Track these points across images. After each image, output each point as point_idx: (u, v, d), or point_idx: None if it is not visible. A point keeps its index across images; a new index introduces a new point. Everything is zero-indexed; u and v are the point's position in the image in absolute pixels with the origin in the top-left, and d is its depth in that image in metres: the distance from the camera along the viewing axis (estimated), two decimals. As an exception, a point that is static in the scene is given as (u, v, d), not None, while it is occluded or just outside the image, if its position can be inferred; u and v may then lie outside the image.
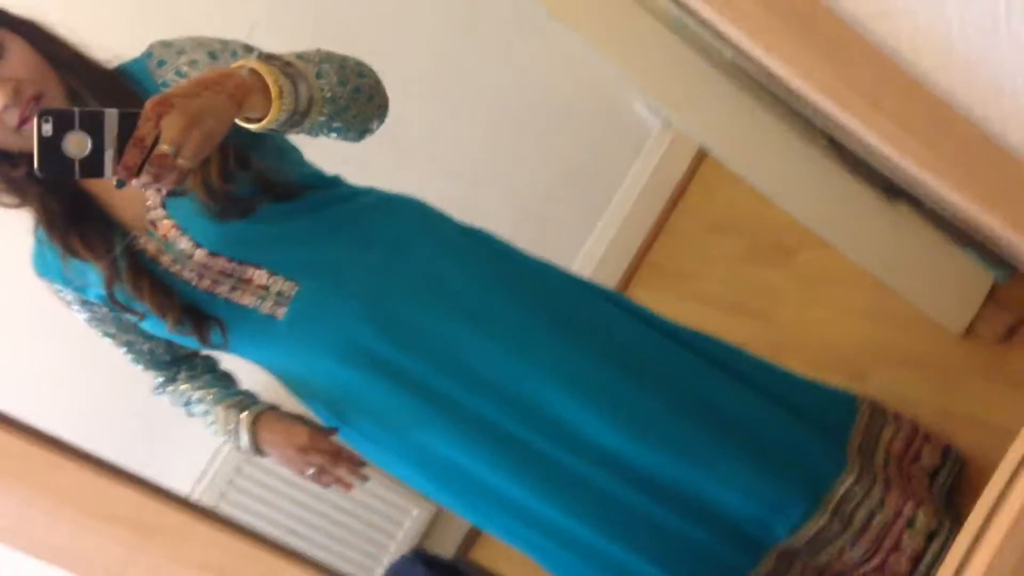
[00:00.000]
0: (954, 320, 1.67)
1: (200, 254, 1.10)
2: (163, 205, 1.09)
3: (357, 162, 1.37)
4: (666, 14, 1.47)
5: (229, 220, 1.09)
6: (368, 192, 1.21)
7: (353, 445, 1.23)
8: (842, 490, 1.26)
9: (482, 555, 2.51)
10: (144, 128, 0.83)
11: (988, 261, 1.64)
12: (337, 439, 1.21)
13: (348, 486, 1.22)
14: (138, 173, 0.83)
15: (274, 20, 2.02)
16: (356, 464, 1.21)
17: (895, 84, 0.63)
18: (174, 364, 1.25)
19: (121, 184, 0.84)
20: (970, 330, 1.69)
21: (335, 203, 1.17)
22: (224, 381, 1.28)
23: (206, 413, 1.23)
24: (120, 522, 0.58)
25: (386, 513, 2.44)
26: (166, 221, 1.10)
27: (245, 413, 1.21)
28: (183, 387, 1.25)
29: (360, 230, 1.16)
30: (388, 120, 1.13)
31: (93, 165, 0.82)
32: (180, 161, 0.85)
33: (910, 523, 1.27)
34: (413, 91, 1.92)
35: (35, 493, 0.56)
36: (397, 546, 2.41)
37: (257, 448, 1.21)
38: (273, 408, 1.23)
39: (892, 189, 1.62)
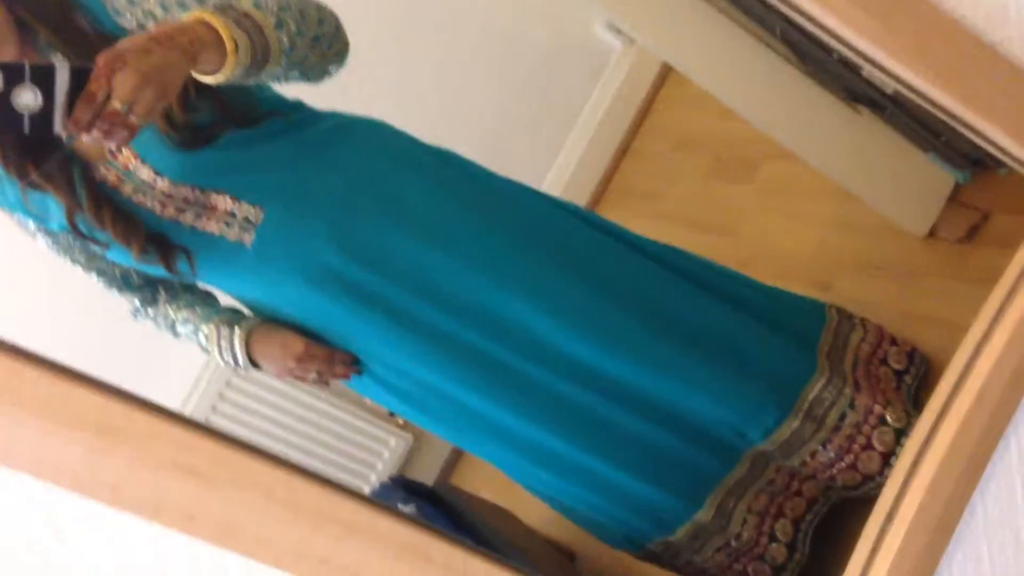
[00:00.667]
0: (917, 223, 1.69)
1: (163, 183, 1.08)
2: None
3: (312, 91, 1.35)
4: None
5: (192, 149, 1.07)
6: (330, 116, 1.20)
7: None
8: (813, 393, 1.28)
9: (462, 479, 2.53)
10: (95, 84, 0.82)
11: (950, 163, 1.65)
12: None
13: (347, 377, 1.22)
14: (88, 129, 0.82)
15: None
16: (351, 362, 1.20)
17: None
18: (149, 286, 1.23)
19: (71, 139, 0.84)
20: (932, 232, 1.71)
21: (298, 127, 1.15)
22: (207, 299, 1.26)
23: (195, 332, 1.21)
24: (85, 426, 0.57)
25: (364, 444, 2.46)
26: (125, 151, 1.07)
27: (237, 328, 1.18)
28: (165, 309, 1.23)
29: (324, 153, 1.15)
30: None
31: (43, 120, 0.81)
32: (131, 118, 0.84)
33: (881, 421, 1.30)
34: (367, 20, 1.88)
35: (-2, 400, 0.56)
36: (377, 475, 2.43)
37: (252, 362, 1.19)
38: (262, 322, 1.21)
39: (853, 94, 1.62)
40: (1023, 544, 0.94)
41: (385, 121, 1.24)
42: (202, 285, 1.23)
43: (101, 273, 1.19)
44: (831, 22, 0.65)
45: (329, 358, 1.18)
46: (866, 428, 1.29)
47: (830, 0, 0.63)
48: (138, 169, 1.07)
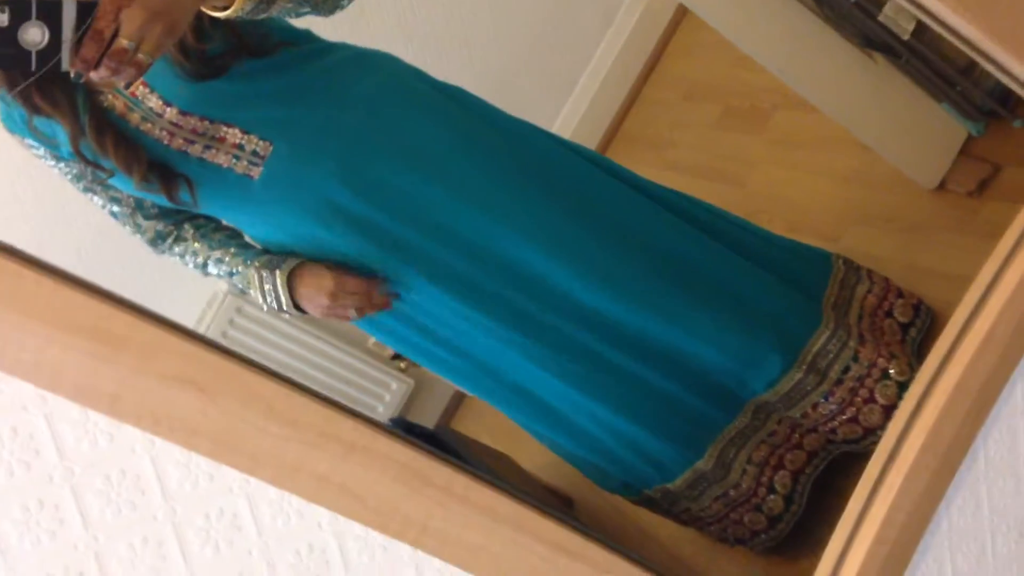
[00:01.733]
0: (927, 176, 1.68)
1: (171, 112, 1.07)
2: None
3: (320, 23, 1.33)
4: None
5: (203, 80, 1.05)
6: (342, 47, 1.18)
7: None
8: (817, 345, 1.27)
9: (462, 425, 2.55)
10: (102, 21, 0.80)
11: (964, 115, 1.63)
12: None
13: (388, 306, 1.19)
14: (96, 67, 0.81)
15: None
16: (385, 288, 1.17)
17: None
18: (169, 218, 1.20)
19: (79, 76, 0.82)
20: (943, 185, 1.69)
21: (309, 59, 1.13)
22: (238, 239, 1.22)
23: (231, 274, 1.18)
24: (88, 334, 0.57)
25: (366, 387, 2.47)
26: None
27: (278, 273, 1.15)
28: (195, 246, 1.20)
29: (335, 88, 1.13)
30: None
31: (50, 56, 0.80)
32: (139, 56, 0.82)
33: (884, 375, 1.28)
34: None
35: (2, 305, 0.55)
36: (378, 418, 2.44)
37: (296, 306, 1.16)
38: (301, 262, 1.17)
39: (869, 41, 1.60)
40: (1023, 490, 0.94)
41: (395, 56, 1.22)
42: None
43: (116, 202, 1.17)
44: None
45: (365, 290, 1.15)
46: (869, 381, 1.28)
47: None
48: (146, 97, 1.06)
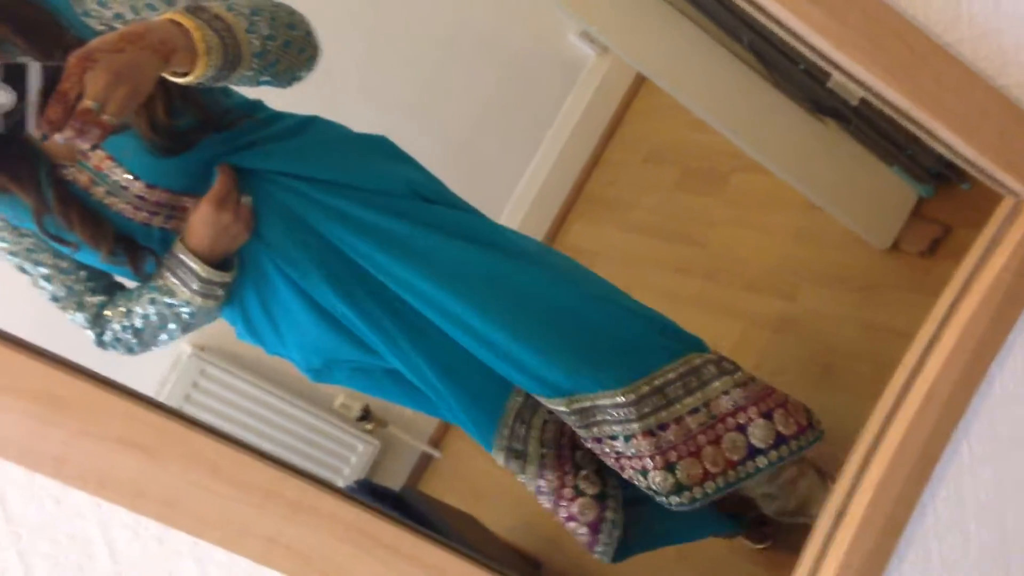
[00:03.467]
0: (880, 236, 1.72)
1: (138, 186, 1.08)
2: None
3: (277, 91, 1.36)
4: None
5: (172, 155, 1.07)
6: (287, 117, 1.21)
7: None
8: (600, 401, 1.21)
9: (428, 487, 2.53)
10: (67, 83, 0.82)
11: (914, 177, 1.68)
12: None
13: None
14: (61, 128, 0.82)
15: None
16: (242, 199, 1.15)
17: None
18: (102, 291, 1.21)
19: (44, 138, 0.83)
20: (896, 245, 1.73)
21: (263, 131, 1.16)
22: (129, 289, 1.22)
23: (151, 303, 1.15)
24: (31, 396, 0.57)
25: (332, 449, 2.45)
26: (99, 152, 1.07)
27: (174, 245, 1.12)
28: (114, 318, 1.20)
29: (283, 155, 1.17)
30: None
31: (16, 119, 0.81)
32: (104, 117, 0.84)
33: (643, 472, 1.21)
34: (339, 21, 1.89)
35: (-60, 367, 0.55)
36: (344, 480, 2.42)
37: (212, 264, 1.12)
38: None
39: (818, 106, 1.65)
40: (972, 544, 0.96)
41: (327, 119, 1.26)
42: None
43: (61, 279, 1.15)
44: (784, 15, 0.66)
45: (229, 204, 1.12)
46: (633, 463, 1.21)
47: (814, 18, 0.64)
48: (112, 171, 1.07)
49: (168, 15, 0.94)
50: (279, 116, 1.20)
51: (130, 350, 1.19)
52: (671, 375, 1.23)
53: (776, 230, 2.03)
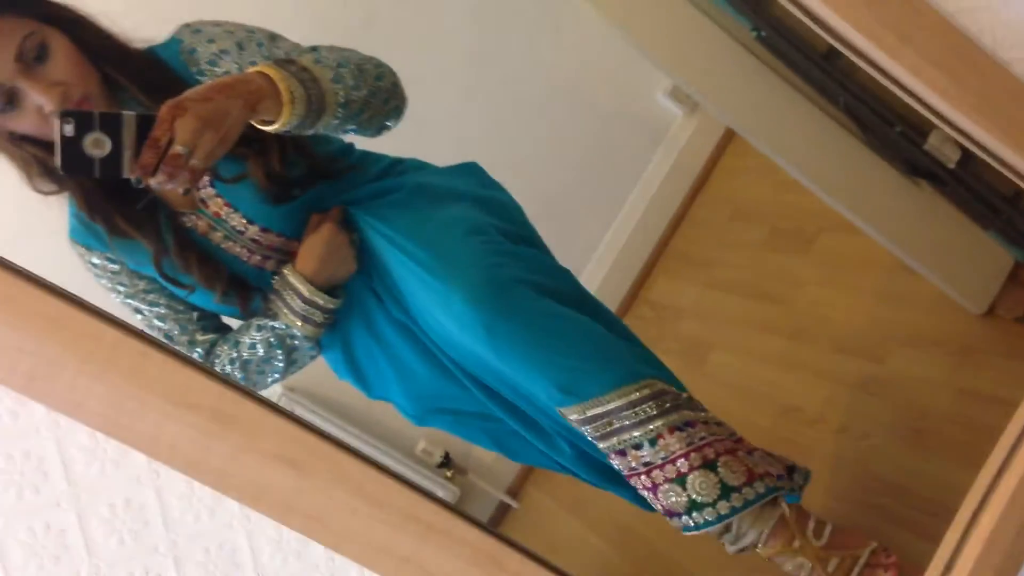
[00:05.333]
0: (975, 301, 1.70)
1: (253, 230, 1.15)
2: (212, 184, 1.14)
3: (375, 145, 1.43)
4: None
5: (283, 202, 1.14)
6: (383, 157, 1.29)
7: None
8: (610, 406, 1.14)
9: (509, 532, 2.54)
10: (159, 130, 0.88)
11: (1010, 241, 1.66)
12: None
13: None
14: (153, 172, 0.88)
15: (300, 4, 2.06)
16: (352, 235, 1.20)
17: (924, 20, 0.67)
18: (212, 330, 1.28)
19: (139, 182, 0.89)
20: (991, 311, 1.71)
21: (363, 180, 1.24)
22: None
23: (258, 328, 1.19)
24: (201, 411, 0.62)
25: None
26: (217, 199, 1.15)
27: (285, 269, 1.17)
28: (219, 349, 1.25)
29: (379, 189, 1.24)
30: (414, 107, 1.20)
31: (112, 164, 0.88)
32: (193, 162, 0.89)
33: (679, 480, 1.11)
34: (433, 79, 1.97)
35: (126, 381, 0.60)
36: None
37: (322, 288, 1.17)
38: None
39: (914, 168, 1.66)
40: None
41: (417, 160, 1.33)
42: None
43: (175, 320, 1.22)
44: (901, 74, 0.69)
45: (332, 214, 1.19)
46: (657, 474, 1.12)
47: (903, 56, 0.67)
48: (230, 217, 1.15)
49: (257, 67, 1.00)
50: (372, 156, 1.27)
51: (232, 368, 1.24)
52: (684, 394, 1.17)
53: (865, 292, 2.02)
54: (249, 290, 1.18)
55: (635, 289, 2.60)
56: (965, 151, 1.56)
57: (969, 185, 1.61)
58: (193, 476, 0.63)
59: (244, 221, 1.15)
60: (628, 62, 2.33)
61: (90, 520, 0.64)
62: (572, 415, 1.14)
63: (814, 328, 2.07)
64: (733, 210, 2.50)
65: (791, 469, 1.22)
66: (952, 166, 1.59)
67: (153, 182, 0.89)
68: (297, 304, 1.17)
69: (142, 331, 0.61)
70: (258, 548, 0.67)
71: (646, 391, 1.13)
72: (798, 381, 2.04)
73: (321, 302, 1.16)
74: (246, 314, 1.19)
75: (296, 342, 1.19)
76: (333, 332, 1.23)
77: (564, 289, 1.25)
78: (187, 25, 1.16)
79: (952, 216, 1.66)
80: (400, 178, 1.27)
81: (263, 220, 1.15)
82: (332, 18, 1.78)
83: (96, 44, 1.09)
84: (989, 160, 0.79)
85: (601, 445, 1.15)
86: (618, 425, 1.13)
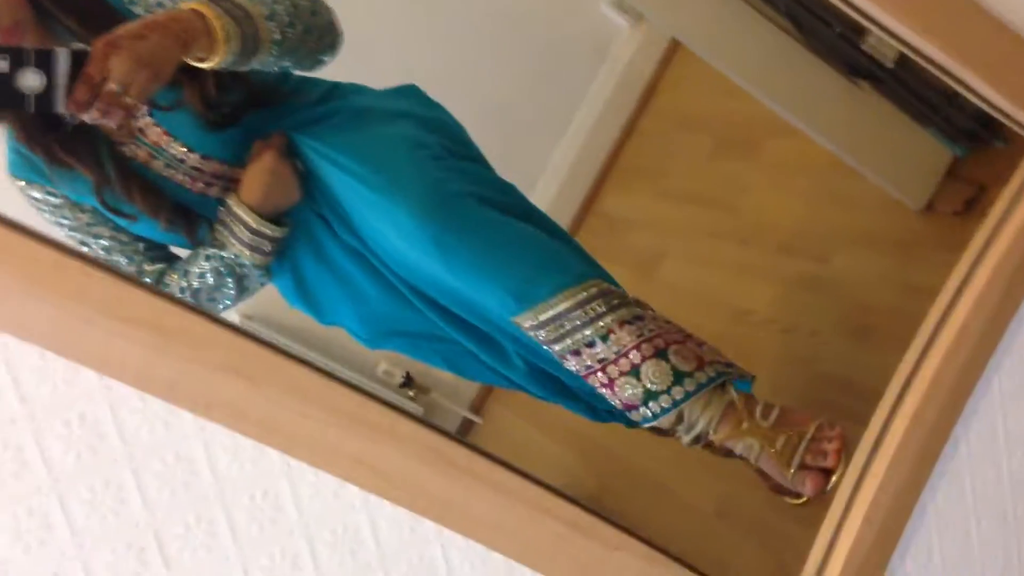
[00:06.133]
0: (915, 197, 1.74)
1: (193, 158, 1.15)
2: (150, 114, 1.13)
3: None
4: None
5: (221, 129, 1.14)
6: (321, 82, 1.27)
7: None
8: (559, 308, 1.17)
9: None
10: (93, 67, 0.88)
11: (948, 138, 1.70)
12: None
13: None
14: (87, 109, 0.88)
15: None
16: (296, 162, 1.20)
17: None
18: (161, 260, 1.28)
19: (73, 118, 0.90)
20: (930, 206, 1.75)
21: (301, 97, 1.23)
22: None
23: (206, 258, 1.20)
24: (146, 325, 0.63)
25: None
26: (156, 128, 1.14)
27: (229, 199, 1.17)
28: (168, 279, 1.25)
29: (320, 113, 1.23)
30: (350, 24, 1.19)
31: (46, 100, 0.87)
32: (126, 99, 0.90)
33: (633, 371, 1.16)
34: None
35: (71, 300, 0.61)
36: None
37: (253, 210, 1.17)
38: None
39: (854, 69, 1.68)
40: (1004, 477, 1.00)
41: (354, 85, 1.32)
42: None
43: (122, 247, 1.23)
44: None
45: (275, 142, 1.18)
46: (612, 368, 1.16)
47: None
48: (169, 145, 1.14)
49: (191, 4, 1.00)
50: (310, 81, 1.26)
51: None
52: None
53: (809, 194, 2.06)
54: (194, 218, 1.18)
55: (587, 203, 2.62)
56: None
57: (907, 84, 1.64)
58: (143, 389, 0.65)
59: (184, 149, 1.14)
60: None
61: (45, 437, 0.66)
62: (525, 322, 1.17)
63: (761, 232, 2.11)
64: (680, 120, 2.51)
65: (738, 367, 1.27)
66: (890, 65, 1.61)
67: (87, 118, 0.89)
68: (244, 234, 1.17)
69: (82, 252, 0.62)
70: (215, 456, 0.70)
71: (593, 290, 1.17)
72: (747, 284, 2.09)
73: (268, 232, 1.17)
74: (192, 243, 1.20)
75: (245, 270, 1.20)
76: (282, 259, 1.23)
77: (509, 202, 1.28)
78: None
79: (891, 115, 1.69)
80: (340, 102, 1.27)
81: (203, 147, 1.15)
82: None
83: None
84: (917, 59, 0.81)
85: (555, 348, 1.18)
86: (570, 326, 1.16)
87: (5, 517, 0.65)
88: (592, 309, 1.16)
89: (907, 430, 0.85)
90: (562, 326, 1.17)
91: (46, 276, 0.61)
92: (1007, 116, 0.86)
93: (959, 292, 0.93)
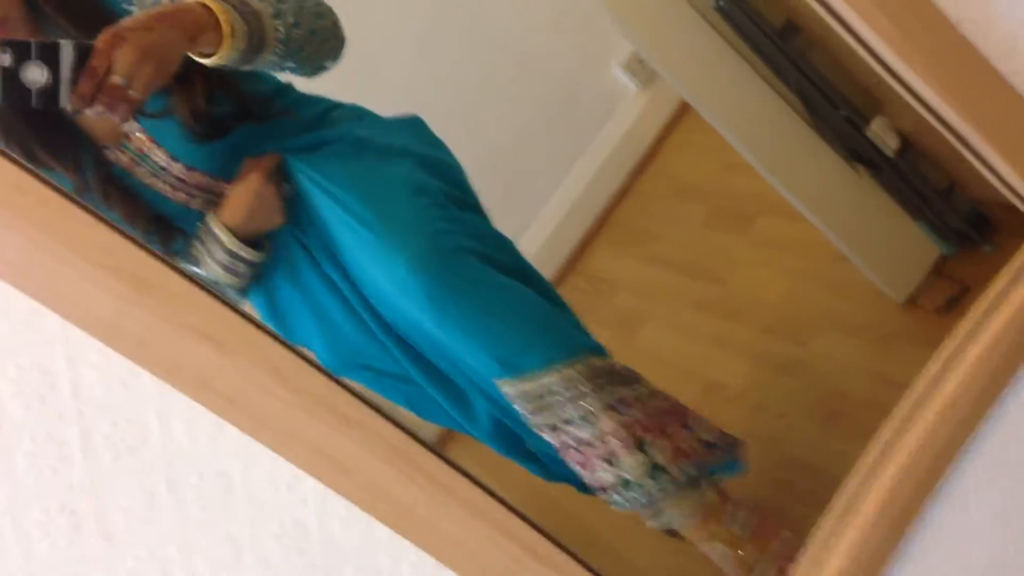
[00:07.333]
0: (898, 289, 1.75)
1: (177, 167, 1.13)
2: (136, 119, 1.11)
3: (319, 84, 1.40)
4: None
5: (209, 140, 1.12)
6: (320, 100, 1.26)
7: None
8: (545, 379, 1.16)
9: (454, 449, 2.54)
10: (97, 59, 0.87)
11: (938, 234, 1.71)
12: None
13: None
14: (91, 103, 0.87)
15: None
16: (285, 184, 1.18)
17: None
18: None
19: (76, 112, 0.88)
20: (912, 301, 1.76)
21: (296, 116, 1.22)
22: None
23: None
24: (121, 275, 0.60)
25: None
26: (140, 135, 1.12)
27: (208, 223, 1.14)
28: None
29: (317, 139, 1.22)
30: (360, 53, 1.20)
31: (50, 94, 0.86)
32: (131, 92, 0.89)
33: (610, 460, 1.15)
34: (393, 22, 1.95)
35: (45, 235, 0.59)
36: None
37: (232, 232, 1.14)
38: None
39: (854, 153, 1.69)
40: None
41: (356, 108, 1.30)
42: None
43: None
44: (855, 21, 0.70)
45: (265, 162, 1.16)
46: (590, 452, 1.14)
47: (871, 15, 0.68)
48: (153, 153, 1.12)
49: None
50: (307, 100, 1.24)
51: None
52: (618, 365, 1.20)
53: (796, 275, 2.06)
54: (172, 230, 1.15)
55: (573, 258, 2.61)
56: (905, 140, 1.60)
57: (905, 175, 1.65)
58: (108, 342, 0.62)
59: (168, 158, 1.12)
60: (586, 30, 2.33)
61: (-5, 379, 0.62)
62: (507, 388, 1.15)
63: (745, 308, 2.11)
64: (677, 187, 2.52)
65: (727, 440, 1.25)
66: (891, 154, 1.63)
67: (91, 112, 0.88)
68: (219, 254, 1.15)
69: (60, 187, 0.59)
70: (169, 426, 0.67)
71: (581, 367, 1.15)
72: (724, 358, 2.08)
73: (245, 255, 1.15)
74: (167, 254, 1.16)
75: (219, 288, 1.17)
76: (257, 280, 1.21)
77: (506, 260, 1.27)
78: None
79: (885, 204, 1.70)
80: (338, 128, 1.26)
81: (188, 158, 1.13)
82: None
83: None
84: (937, 125, 0.81)
85: (534, 419, 1.16)
86: (552, 401, 1.15)
87: (-61, 454, 0.61)
88: (577, 387, 1.14)
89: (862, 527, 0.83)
90: (544, 399, 1.15)
91: (23, 203, 0.58)
92: (1018, 195, 0.85)
93: (928, 391, 0.93)
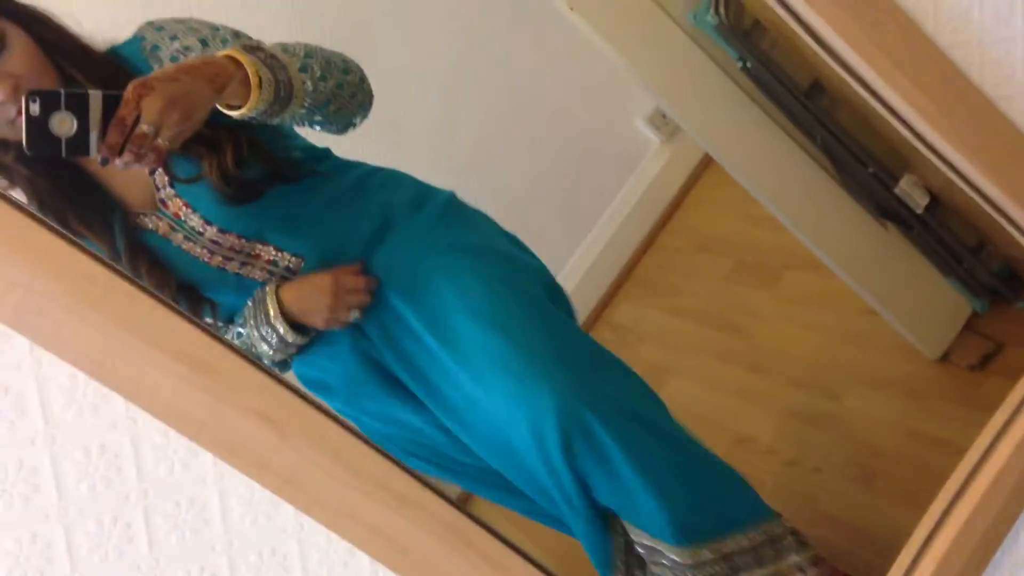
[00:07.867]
0: (931, 346, 1.74)
1: (211, 231, 1.14)
2: (171, 185, 1.13)
3: (348, 144, 1.42)
4: (683, 18, 1.54)
5: (241, 203, 1.13)
6: (357, 165, 1.28)
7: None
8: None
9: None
10: (125, 109, 0.88)
11: (970, 291, 1.71)
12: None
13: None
14: (119, 152, 0.88)
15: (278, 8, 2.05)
16: (374, 284, 1.18)
17: (916, 47, 0.70)
18: None
19: (105, 162, 0.89)
20: (946, 357, 1.75)
21: (330, 179, 1.23)
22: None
23: (237, 336, 1.20)
24: (185, 359, 0.61)
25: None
26: (177, 199, 1.14)
27: (267, 288, 1.15)
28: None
29: (356, 203, 1.22)
30: (387, 108, 1.21)
31: (78, 144, 0.87)
32: (159, 141, 0.89)
33: None
34: (411, 82, 1.97)
35: (113, 323, 0.60)
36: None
37: (289, 321, 1.15)
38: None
39: (883, 210, 1.70)
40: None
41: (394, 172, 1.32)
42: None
43: None
44: (893, 98, 0.72)
45: (364, 286, 1.17)
46: None
47: (896, 80, 0.70)
48: (189, 217, 1.13)
49: (225, 51, 1.00)
50: (347, 166, 1.26)
51: None
52: (745, 543, 1.20)
53: (825, 330, 2.05)
54: (201, 300, 1.16)
55: (598, 311, 2.62)
56: (933, 197, 1.60)
57: (935, 232, 1.65)
58: (171, 424, 0.63)
59: (203, 222, 1.14)
60: (610, 85, 2.35)
61: (62, 462, 0.63)
62: (679, 556, 1.14)
63: (772, 361, 2.10)
64: (701, 241, 2.53)
65: None
66: (920, 211, 1.63)
67: (119, 162, 0.88)
68: (273, 339, 1.16)
69: (131, 277, 0.61)
70: (228, 507, 0.67)
71: (763, 534, 1.17)
72: (753, 412, 2.07)
73: (280, 330, 1.15)
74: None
75: (258, 351, 1.18)
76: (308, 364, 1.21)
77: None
78: (150, 23, 1.14)
79: (916, 261, 1.70)
80: (384, 193, 1.25)
81: (220, 221, 1.14)
82: (311, 24, 1.77)
83: (56, 42, 1.06)
84: (963, 186, 0.81)
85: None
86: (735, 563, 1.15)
87: (7, 541, 0.62)
88: (681, 572, 1.13)
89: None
90: (652, 554, 1.15)
91: (93, 293, 0.59)
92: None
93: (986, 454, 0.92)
